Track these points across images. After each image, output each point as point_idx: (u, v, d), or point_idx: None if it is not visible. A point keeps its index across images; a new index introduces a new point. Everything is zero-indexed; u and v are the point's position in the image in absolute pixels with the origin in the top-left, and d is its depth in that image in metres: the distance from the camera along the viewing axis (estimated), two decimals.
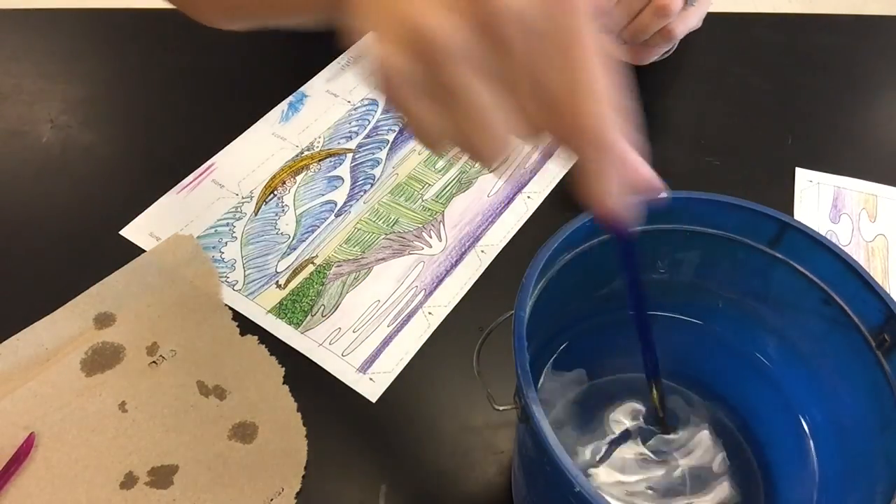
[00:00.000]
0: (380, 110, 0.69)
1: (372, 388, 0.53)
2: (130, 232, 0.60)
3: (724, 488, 0.48)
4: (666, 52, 0.65)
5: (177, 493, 0.48)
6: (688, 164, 0.67)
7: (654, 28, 0.55)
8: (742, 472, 0.49)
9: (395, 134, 0.68)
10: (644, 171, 0.29)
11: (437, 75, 0.26)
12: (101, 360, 0.53)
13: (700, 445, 0.50)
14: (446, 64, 0.26)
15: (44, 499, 0.47)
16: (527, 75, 0.27)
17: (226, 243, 0.60)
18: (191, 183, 0.64)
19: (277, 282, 0.58)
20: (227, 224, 0.61)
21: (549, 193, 0.64)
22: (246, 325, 0.55)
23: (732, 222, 0.43)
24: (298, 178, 0.64)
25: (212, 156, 0.65)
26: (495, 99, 0.27)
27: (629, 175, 0.29)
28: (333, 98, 0.70)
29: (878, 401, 0.39)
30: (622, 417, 0.50)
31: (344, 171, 0.65)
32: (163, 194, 0.63)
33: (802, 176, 0.66)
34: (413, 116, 0.28)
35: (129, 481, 0.48)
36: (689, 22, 0.55)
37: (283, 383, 0.52)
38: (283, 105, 0.69)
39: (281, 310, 0.56)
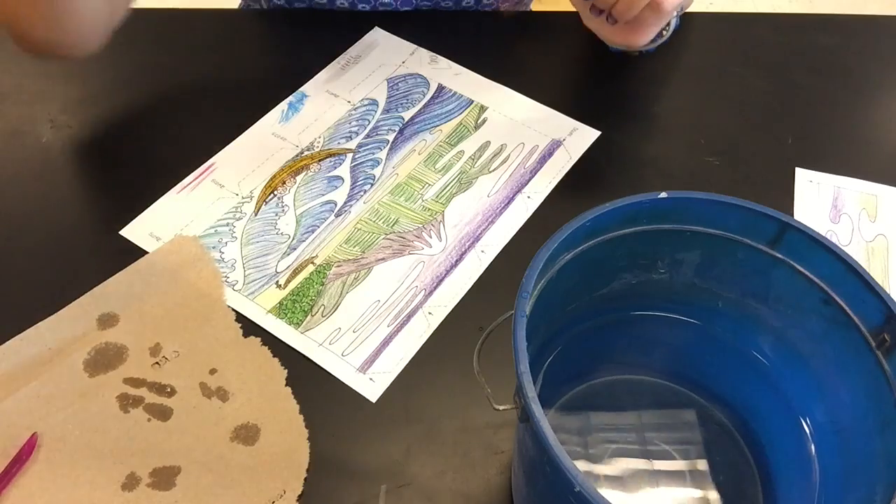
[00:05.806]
0: (380, 110, 0.69)
1: (372, 388, 0.53)
2: (130, 232, 0.60)
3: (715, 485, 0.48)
4: (662, 38, 0.64)
5: (178, 495, 0.48)
6: (688, 164, 0.67)
7: (642, 1, 0.54)
8: (742, 472, 0.49)
9: (395, 134, 0.68)
10: None
11: None
12: (104, 360, 0.53)
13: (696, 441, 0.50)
14: None
15: (46, 499, 0.47)
16: None
17: (226, 243, 0.60)
18: (191, 183, 0.64)
19: (277, 282, 0.58)
20: (228, 224, 0.61)
21: (549, 193, 0.64)
22: (248, 327, 0.55)
23: (732, 222, 0.43)
24: (298, 178, 0.64)
25: (212, 156, 0.65)
26: None
27: None
28: (333, 98, 0.70)
29: (878, 401, 0.39)
30: None
31: (344, 171, 0.65)
32: (163, 194, 0.63)
33: (802, 176, 0.66)
34: None
35: (130, 482, 0.48)
36: None
37: (286, 385, 0.52)
38: (283, 105, 0.70)
39: (281, 310, 0.56)
